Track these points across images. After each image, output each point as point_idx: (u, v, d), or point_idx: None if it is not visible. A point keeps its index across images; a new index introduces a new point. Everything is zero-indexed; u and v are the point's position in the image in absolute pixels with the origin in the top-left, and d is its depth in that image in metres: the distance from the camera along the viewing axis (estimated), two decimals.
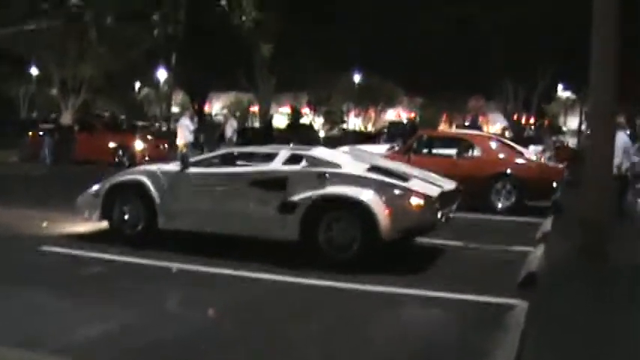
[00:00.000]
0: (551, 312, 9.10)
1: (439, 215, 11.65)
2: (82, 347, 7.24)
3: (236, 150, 14.32)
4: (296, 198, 11.58)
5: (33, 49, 41.29)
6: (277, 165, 12.26)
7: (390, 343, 8.06)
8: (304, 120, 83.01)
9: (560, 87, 73.14)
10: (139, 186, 12.86)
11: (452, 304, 9.69)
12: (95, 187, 13.44)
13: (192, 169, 12.86)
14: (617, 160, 18.25)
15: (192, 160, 13.54)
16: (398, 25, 52.95)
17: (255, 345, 7.69)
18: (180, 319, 8.72)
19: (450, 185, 12.75)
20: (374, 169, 12.18)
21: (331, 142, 36.20)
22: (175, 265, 11.13)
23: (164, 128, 60.78)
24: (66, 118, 33.42)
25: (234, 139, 35.94)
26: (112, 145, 33.18)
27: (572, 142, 59.03)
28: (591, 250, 12.61)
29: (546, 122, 78.92)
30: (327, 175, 11.66)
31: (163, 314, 8.91)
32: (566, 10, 39.25)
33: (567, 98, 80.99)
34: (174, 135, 30.60)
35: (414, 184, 11.69)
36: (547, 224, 15.97)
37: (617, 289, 10.71)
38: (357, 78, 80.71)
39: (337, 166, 11.95)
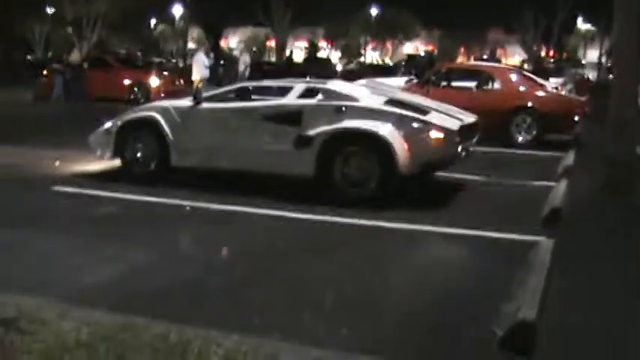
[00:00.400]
0: (577, 250, 8.83)
1: (459, 149, 11.34)
2: (90, 290, 6.98)
3: (250, 84, 13.96)
4: (311, 132, 11.28)
5: None
6: (292, 99, 11.94)
7: (409, 282, 7.79)
8: (321, 54, 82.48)
9: (579, 19, 72.44)
10: (151, 123, 12.58)
11: (473, 241, 9.41)
12: (107, 125, 13.16)
13: (205, 105, 12.57)
14: None
15: (205, 95, 13.28)
16: None
17: (270, 285, 7.43)
18: (193, 258, 8.46)
19: (469, 118, 12.41)
20: (392, 102, 11.82)
21: (348, 76, 35.71)
22: (188, 204, 10.86)
23: (180, 64, 60.42)
24: (76, 56, 33.01)
25: (247, 74, 35.60)
26: (127, 81, 32.83)
27: (592, 75, 58.43)
28: (617, 185, 12.34)
29: (565, 55, 78.26)
30: (343, 108, 11.33)
31: (175, 254, 8.62)
32: None
33: (587, 31, 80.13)
34: (190, 71, 30.31)
35: (433, 118, 11.36)
36: (569, 158, 15.66)
37: None
38: (374, 11, 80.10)
39: (354, 99, 11.62)
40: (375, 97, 11.98)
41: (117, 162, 13.04)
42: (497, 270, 8.01)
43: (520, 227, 9.76)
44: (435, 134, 10.99)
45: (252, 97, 13.11)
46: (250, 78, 32.89)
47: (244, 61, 36.65)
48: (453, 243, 9.50)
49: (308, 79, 14.78)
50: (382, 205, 10.72)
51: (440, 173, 12.68)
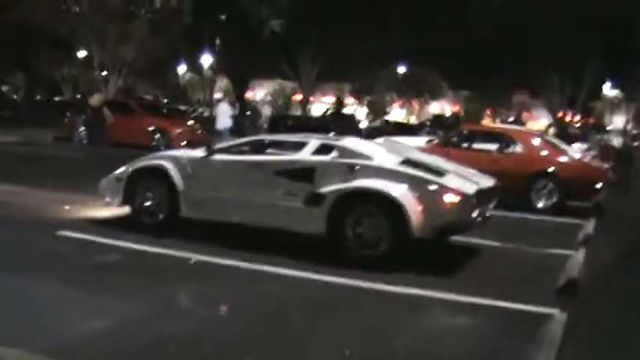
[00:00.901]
0: (591, 326, 8.50)
1: (475, 214, 11.04)
2: (79, 343, 6.78)
3: (266, 137, 13.78)
4: (324, 190, 11.01)
5: (75, 30, 41.02)
6: (306, 155, 11.70)
7: (410, 354, 7.44)
8: (347, 110, 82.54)
9: (606, 85, 72.35)
10: (162, 172, 12.36)
11: (483, 311, 9.05)
12: (119, 171, 12.97)
13: (218, 156, 12.34)
14: None
15: (219, 146, 13.07)
16: (446, 19, 52.67)
17: (267, 347, 7.14)
18: (191, 315, 8.24)
19: (488, 182, 12.13)
20: (408, 162, 11.55)
21: (372, 133, 35.59)
22: (194, 257, 10.60)
23: (206, 113, 60.58)
24: (96, 100, 32.92)
25: (265, 126, 35.60)
26: (150, 128, 32.75)
27: (616, 141, 58.14)
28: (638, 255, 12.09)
29: (591, 120, 78.06)
30: (357, 167, 11.07)
31: (173, 309, 8.37)
32: (616, 8, 38.66)
33: (614, 97, 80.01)
34: (214, 120, 30.29)
35: (449, 180, 11.06)
36: (589, 226, 15.33)
37: None
38: (401, 69, 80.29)
39: (369, 158, 11.36)
40: (390, 157, 11.70)
41: (127, 209, 12.80)
42: (505, 344, 7.68)
43: (534, 298, 9.42)
44: (450, 198, 10.69)
45: (267, 150, 12.94)
46: (273, 131, 32.77)
47: (264, 113, 36.71)
48: (461, 312, 9.13)
49: (331, 134, 14.59)
50: (393, 267, 10.41)
51: (456, 237, 12.34)
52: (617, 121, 78.37)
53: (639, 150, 12.26)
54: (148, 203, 12.48)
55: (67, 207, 14.02)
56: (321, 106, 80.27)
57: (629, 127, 68.14)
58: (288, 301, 8.92)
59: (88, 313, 7.75)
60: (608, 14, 41.23)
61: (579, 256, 11.78)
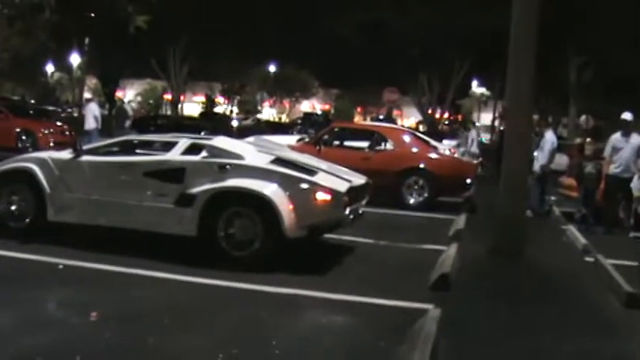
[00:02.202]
0: (464, 320, 8.56)
1: (347, 211, 11.04)
2: None
3: (135, 138, 13.52)
4: (194, 191, 10.86)
5: None
6: (175, 155, 11.50)
7: (287, 352, 7.34)
8: (219, 109, 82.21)
9: (474, 83, 73.73)
10: (28, 174, 11.98)
11: (358, 308, 9.05)
12: None
13: (86, 157, 12.01)
14: (544, 160, 18.09)
15: (88, 147, 12.76)
16: (312, 22, 53.00)
17: (138, 353, 6.96)
18: (60, 323, 7.90)
19: (359, 180, 12.15)
20: (279, 161, 11.47)
21: (244, 132, 35.42)
22: (62, 262, 10.30)
23: (75, 114, 59.45)
24: None
25: (126, 125, 35.09)
26: (16, 129, 31.90)
27: (485, 137, 59.20)
28: (507, 249, 12.32)
29: (459, 117, 79.44)
30: (228, 166, 10.95)
31: (39, 318, 8.03)
32: (483, 7, 39.33)
33: (481, 94, 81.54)
34: (83, 121, 29.74)
35: (320, 178, 11.03)
36: (460, 222, 15.49)
37: (532, 292, 10.33)
38: (272, 68, 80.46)
39: (239, 157, 11.23)
40: (261, 156, 11.59)
41: None
42: (380, 341, 7.66)
43: (408, 293, 9.48)
44: (321, 196, 10.66)
45: (137, 151, 12.70)
46: (142, 131, 32.28)
47: (125, 112, 36.14)
48: (335, 310, 9.09)
49: (202, 134, 14.40)
50: (266, 268, 10.34)
51: (329, 235, 12.32)
52: (485, 118, 79.96)
53: (508, 147, 12.43)
54: (13, 207, 12.10)
55: None
56: (192, 105, 79.87)
57: (496, 123, 69.59)
58: (160, 305, 8.71)
59: None
60: (473, 18, 41.95)
61: (451, 251, 11.88)
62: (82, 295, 8.98)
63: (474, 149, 29.28)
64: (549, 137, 18.58)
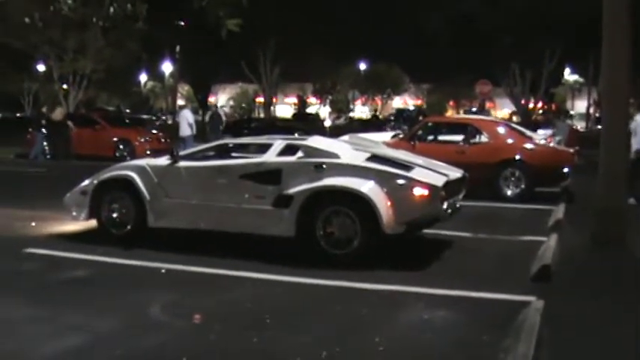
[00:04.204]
0: (568, 311, 8.44)
1: (445, 205, 10.98)
2: None
3: (230, 141, 13.65)
4: (291, 191, 10.92)
5: (34, 44, 40.50)
6: (271, 156, 11.58)
7: (390, 349, 7.33)
8: (310, 109, 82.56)
9: (567, 70, 72.70)
10: (128, 182, 12.21)
11: (459, 302, 8.99)
12: (83, 184, 12.80)
13: (183, 163, 12.20)
14: (638, 145, 17.73)
15: (184, 153, 12.93)
16: (402, 16, 52.91)
17: (244, 356, 7.02)
18: (165, 326, 8.02)
19: (456, 173, 12.07)
20: (374, 158, 11.44)
21: (337, 131, 35.49)
22: (164, 266, 10.46)
23: (170, 121, 60.32)
24: (58, 114, 32.52)
25: (221, 129, 35.50)
26: (112, 139, 32.52)
27: (580, 126, 58.41)
28: (608, 239, 12.08)
29: (553, 106, 78.45)
30: (324, 166, 10.98)
31: (144, 322, 8.16)
32: None
33: (575, 81, 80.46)
34: (178, 128, 30.20)
35: (417, 174, 10.98)
36: (559, 212, 15.29)
37: (635, 282, 10.06)
38: (362, 66, 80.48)
39: (335, 156, 11.24)
40: (356, 154, 11.58)
41: (94, 223, 12.64)
42: (483, 334, 7.60)
43: (509, 286, 9.41)
44: (419, 191, 10.61)
45: (232, 154, 12.81)
46: (236, 135, 32.60)
47: (219, 116, 36.54)
48: (438, 305, 9.00)
49: (296, 135, 14.47)
50: (366, 265, 10.35)
51: (428, 230, 12.27)
52: (580, 106, 78.92)
53: (604, 134, 12.26)
54: (114, 215, 12.34)
55: (32, 224, 13.82)
56: (284, 107, 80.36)
57: (591, 110, 68.62)
58: (262, 305, 8.77)
59: (57, 331, 7.60)
60: (564, 2, 41.43)
61: (551, 241, 11.72)
62: (186, 298, 9.12)
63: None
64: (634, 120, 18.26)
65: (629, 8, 12.36)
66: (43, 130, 32.25)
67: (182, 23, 50.16)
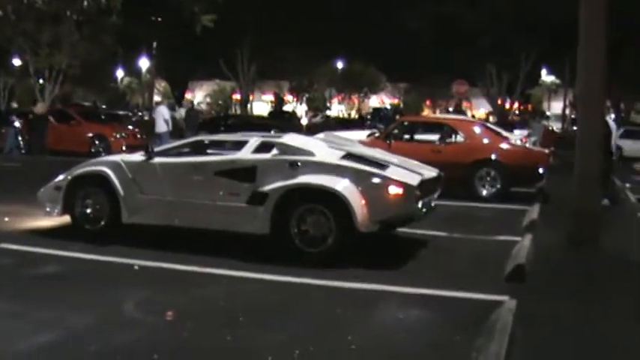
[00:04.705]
0: (542, 310, 8.46)
1: (420, 204, 10.99)
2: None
3: (206, 138, 13.62)
4: (266, 189, 10.89)
5: (7, 37, 40.17)
6: (246, 154, 11.54)
7: (363, 348, 7.32)
8: (287, 107, 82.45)
9: (544, 72, 72.92)
10: (102, 177, 12.14)
11: (434, 302, 9.00)
12: (57, 179, 12.70)
13: (158, 159, 12.12)
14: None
15: (159, 149, 12.86)
16: (380, 15, 53.00)
17: (217, 354, 7.00)
18: (138, 323, 7.99)
19: (431, 172, 12.09)
20: (350, 156, 11.44)
21: (313, 130, 35.47)
22: (137, 263, 10.41)
23: (146, 117, 60.08)
24: (40, 109, 32.39)
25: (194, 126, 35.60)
26: (89, 134, 32.37)
27: (556, 126, 58.63)
28: (582, 239, 12.15)
29: (530, 107, 78.73)
30: (299, 163, 10.95)
31: (117, 318, 8.12)
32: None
33: (551, 82, 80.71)
34: (154, 124, 30.12)
35: (392, 172, 10.98)
36: (534, 212, 15.35)
37: (608, 283, 10.13)
38: (339, 64, 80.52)
39: (310, 153, 11.22)
40: (332, 152, 11.57)
41: (68, 219, 12.56)
42: (457, 334, 7.60)
43: (483, 286, 9.44)
44: (393, 190, 10.61)
45: (208, 151, 12.77)
46: (212, 132, 32.54)
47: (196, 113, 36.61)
48: (412, 304, 9.02)
49: (272, 132, 14.46)
50: (341, 263, 10.36)
51: (402, 229, 12.28)
52: (556, 107, 79.15)
53: (580, 135, 12.31)
54: (88, 210, 12.27)
55: (5, 219, 13.72)
56: (261, 104, 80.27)
57: (567, 111, 68.86)
58: (235, 303, 8.76)
59: (30, 327, 7.55)
60: (542, 5, 41.64)
61: (526, 241, 11.76)
62: (159, 295, 9.09)
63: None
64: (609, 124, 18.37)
65: (605, 14, 12.44)
66: (16, 124, 32.10)
67: (159, 19, 49.95)
